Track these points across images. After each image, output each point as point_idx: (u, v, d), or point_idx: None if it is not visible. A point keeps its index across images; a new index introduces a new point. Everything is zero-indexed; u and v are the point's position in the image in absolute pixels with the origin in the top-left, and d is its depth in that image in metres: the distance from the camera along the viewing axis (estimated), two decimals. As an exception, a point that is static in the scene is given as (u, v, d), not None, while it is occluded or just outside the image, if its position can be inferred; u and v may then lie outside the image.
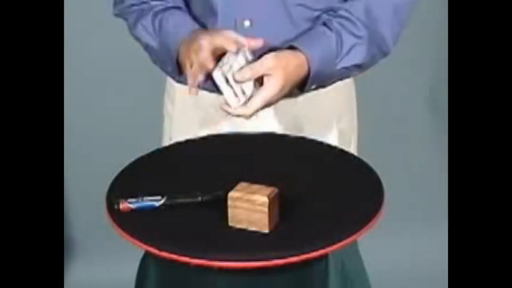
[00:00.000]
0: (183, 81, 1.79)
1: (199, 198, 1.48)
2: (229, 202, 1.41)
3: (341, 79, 1.78)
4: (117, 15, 1.84)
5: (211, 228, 1.43)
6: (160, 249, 1.38)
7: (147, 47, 1.78)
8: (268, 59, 1.61)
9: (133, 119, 2.78)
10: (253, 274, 1.41)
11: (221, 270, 1.39)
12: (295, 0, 1.70)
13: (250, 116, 1.60)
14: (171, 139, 1.86)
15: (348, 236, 1.40)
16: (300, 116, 1.80)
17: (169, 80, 1.87)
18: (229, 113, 1.61)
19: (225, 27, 1.69)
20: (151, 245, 1.39)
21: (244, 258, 1.37)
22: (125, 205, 1.46)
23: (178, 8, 1.76)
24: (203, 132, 1.77)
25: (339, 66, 1.70)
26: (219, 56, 1.60)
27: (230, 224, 1.42)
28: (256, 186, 1.42)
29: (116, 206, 1.46)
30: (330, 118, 1.82)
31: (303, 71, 1.65)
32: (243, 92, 1.61)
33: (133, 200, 1.47)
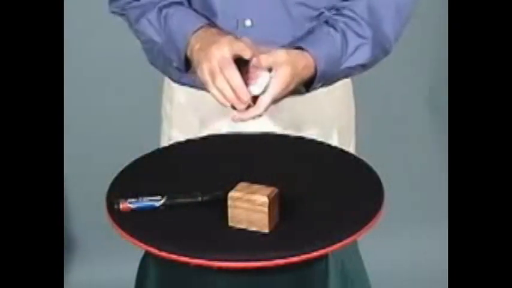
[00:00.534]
0: (183, 80, 1.79)
1: (199, 198, 1.48)
2: (229, 202, 1.41)
3: (345, 77, 1.78)
4: (114, 12, 1.83)
5: (211, 228, 1.43)
6: (160, 249, 1.38)
7: (148, 42, 1.76)
8: (280, 53, 1.60)
9: (133, 119, 2.78)
10: (253, 274, 1.41)
11: (221, 270, 1.39)
12: None
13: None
14: (170, 140, 1.86)
15: (348, 236, 1.40)
16: (299, 116, 1.80)
17: (167, 81, 1.87)
18: (243, 120, 1.60)
19: (225, 27, 1.69)
20: (151, 245, 1.39)
21: (244, 258, 1.37)
22: (125, 205, 1.46)
23: (181, 3, 1.76)
24: (203, 133, 1.78)
25: (343, 66, 1.70)
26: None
27: (230, 224, 1.42)
28: (256, 186, 1.42)
29: (116, 206, 1.46)
30: (330, 117, 1.82)
31: (310, 72, 1.66)
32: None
33: (133, 200, 1.47)
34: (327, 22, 1.72)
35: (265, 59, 1.58)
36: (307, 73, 1.65)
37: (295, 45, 1.67)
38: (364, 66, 1.73)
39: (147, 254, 1.51)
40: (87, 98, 2.79)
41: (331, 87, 1.80)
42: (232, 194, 1.42)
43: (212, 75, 1.57)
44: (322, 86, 1.74)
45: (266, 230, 1.40)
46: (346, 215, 1.45)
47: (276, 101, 1.61)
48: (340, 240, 1.39)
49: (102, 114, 2.81)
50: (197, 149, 1.69)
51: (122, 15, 1.81)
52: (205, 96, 1.77)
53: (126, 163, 1.62)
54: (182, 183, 1.55)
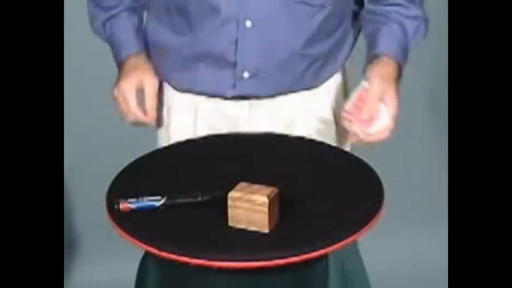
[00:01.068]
0: (183, 87, 1.80)
1: (199, 198, 1.48)
2: (229, 202, 1.41)
3: None
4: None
5: (211, 228, 1.43)
6: (160, 249, 1.38)
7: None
8: (373, 81, 1.68)
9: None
10: (253, 274, 1.41)
11: (221, 270, 1.39)
12: None
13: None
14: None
15: (348, 236, 1.40)
16: (299, 115, 1.80)
17: (165, 90, 1.85)
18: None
19: (226, 27, 1.69)
20: (151, 245, 1.39)
21: (244, 258, 1.37)
22: (125, 205, 1.46)
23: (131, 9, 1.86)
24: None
25: (410, 47, 1.80)
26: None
27: (230, 224, 1.42)
28: (256, 186, 1.42)
29: (116, 206, 1.46)
30: (329, 116, 1.82)
31: (395, 69, 1.74)
32: None
33: (133, 200, 1.47)
34: (380, 17, 1.79)
35: (371, 99, 1.66)
36: (395, 72, 1.74)
37: (370, 55, 1.75)
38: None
39: (147, 254, 1.51)
40: (87, 98, 2.78)
41: (331, 87, 1.81)
42: (232, 194, 1.42)
43: (116, 100, 1.86)
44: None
45: (266, 230, 1.40)
46: (346, 215, 1.45)
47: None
48: (340, 240, 1.39)
49: (102, 114, 2.79)
50: (197, 149, 1.69)
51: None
52: (205, 102, 1.78)
53: (126, 163, 1.62)
54: (182, 183, 1.55)
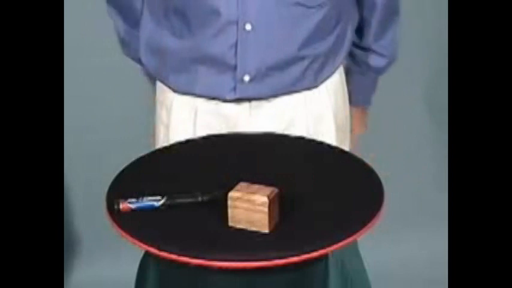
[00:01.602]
0: (182, 89, 1.80)
1: (199, 198, 1.48)
2: (229, 202, 1.41)
3: None
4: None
5: (211, 228, 1.43)
6: (160, 249, 1.38)
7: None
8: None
9: (133, 119, 2.78)
10: (253, 274, 1.41)
11: (221, 270, 1.39)
12: None
13: None
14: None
15: (348, 236, 1.40)
16: (298, 116, 1.80)
17: (164, 90, 1.85)
18: None
19: (226, 31, 1.69)
20: (151, 245, 1.39)
21: (244, 258, 1.37)
22: (125, 205, 1.46)
23: None
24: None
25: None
26: None
27: (230, 224, 1.42)
28: (256, 186, 1.42)
29: (116, 206, 1.46)
30: (328, 116, 1.82)
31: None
32: None
33: (133, 200, 1.47)
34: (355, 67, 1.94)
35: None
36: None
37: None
38: None
39: (147, 254, 1.51)
40: (88, 98, 2.79)
41: (330, 87, 1.81)
42: (232, 194, 1.41)
43: None
44: None
45: (266, 230, 1.40)
46: (346, 215, 1.45)
47: None
48: (340, 240, 1.39)
49: (102, 114, 2.81)
50: (197, 149, 1.69)
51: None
52: (205, 104, 1.77)
53: (126, 163, 1.62)
54: (182, 183, 1.55)
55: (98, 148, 2.79)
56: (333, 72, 1.82)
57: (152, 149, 1.80)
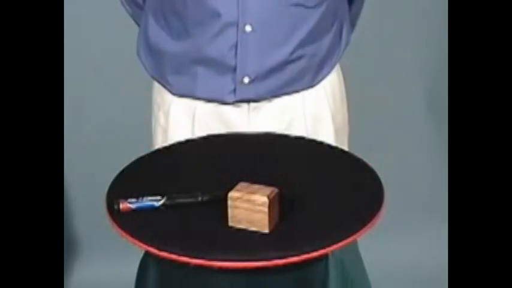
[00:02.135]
0: (180, 91, 1.79)
1: (199, 198, 1.48)
2: (229, 202, 1.41)
3: None
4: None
5: (211, 228, 1.43)
6: (160, 249, 1.38)
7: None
8: None
9: (133, 119, 2.78)
10: (253, 274, 1.41)
11: (221, 270, 1.39)
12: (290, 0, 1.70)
13: None
14: None
15: (348, 236, 1.40)
16: (297, 116, 1.80)
17: (162, 93, 1.85)
18: None
19: (226, 32, 1.69)
20: (151, 245, 1.39)
21: (244, 258, 1.37)
22: (125, 205, 1.46)
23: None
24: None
25: None
26: None
27: (230, 224, 1.42)
28: (256, 186, 1.42)
29: (116, 206, 1.46)
30: (326, 117, 1.82)
31: None
32: None
33: (133, 200, 1.47)
34: None
35: None
36: None
37: None
38: None
39: (147, 254, 1.51)
40: (87, 98, 2.79)
41: (327, 88, 1.81)
42: (232, 194, 1.41)
43: None
44: None
45: (266, 230, 1.40)
46: (346, 215, 1.45)
47: None
48: (340, 240, 1.39)
49: (102, 114, 2.81)
50: (197, 149, 1.69)
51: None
52: (203, 106, 1.77)
53: (126, 163, 1.62)
54: (182, 183, 1.55)
55: (98, 148, 2.79)
56: (331, 70, 1.82)
57: (152, 149, 1.81)
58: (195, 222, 1.44)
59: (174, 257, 1.37)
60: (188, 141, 1.72)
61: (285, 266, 1.37)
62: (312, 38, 1.75)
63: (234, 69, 1.73)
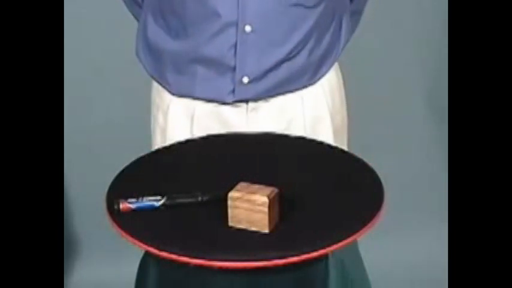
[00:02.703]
0: (180, 92, 1.79)
1: (199, 198, 1.48)
2: (229, 202, 1.41)
3: None
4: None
5: (211, 228, 1.43)
6: (160, 249, 1.38)
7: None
8: None
9: (133, 119, 2.78)
10: (253, 274, 1.41)
11: (221, 270, 1.39)
12: (290, 0, 1.70)
13: None
14: None
15: (348, 236, 1.40)
16: (296, 116, 1.80)
17: (161, 93, 1.85)
18: None
19: (225, 32, 1.69)
20: (151, 245, 1.39)
21: (244, 258, 1.37)
22: (125, 205, 1.46)
23: None
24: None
25: None
26: None
27: (230, 224, 1.42)
28: (256, 186, 1.42)
29: (116, 206, 1.46)
30: (325, 117, 1.82)
31: None
32: None
33: (133, 200, 1.47)
34: None
35: None
36: None
37: None
38: None
39: (147, 254, 1.51)
40: (87, 98, 2.79)
41: (326, 88, 1.81)
42: (232, 194, 1.42)
43: None
44: None
45: (266, 230, 1.40)
46: (346, 215, 1.45)
47: None
48: (340, 240, 1.39)
49: (102, 114, 2.81)
50: (197, 149, 1.69)
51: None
52: (202, 106, 1.77)
53: (126, 163, 1.62)
54: (182, 183, 1.55)
55: (98, 148, 2.79)
56: (330, 68, 1.82)
57: (152, 149, 1.81)
58: (195, 222, 1.44)
59: (174, 257, 1.37)
60: (188, 141, 1.72)
61: (285, 266, 1.37)
62: (311, 37, 1.75)
63: (234, 69, 1.73)
